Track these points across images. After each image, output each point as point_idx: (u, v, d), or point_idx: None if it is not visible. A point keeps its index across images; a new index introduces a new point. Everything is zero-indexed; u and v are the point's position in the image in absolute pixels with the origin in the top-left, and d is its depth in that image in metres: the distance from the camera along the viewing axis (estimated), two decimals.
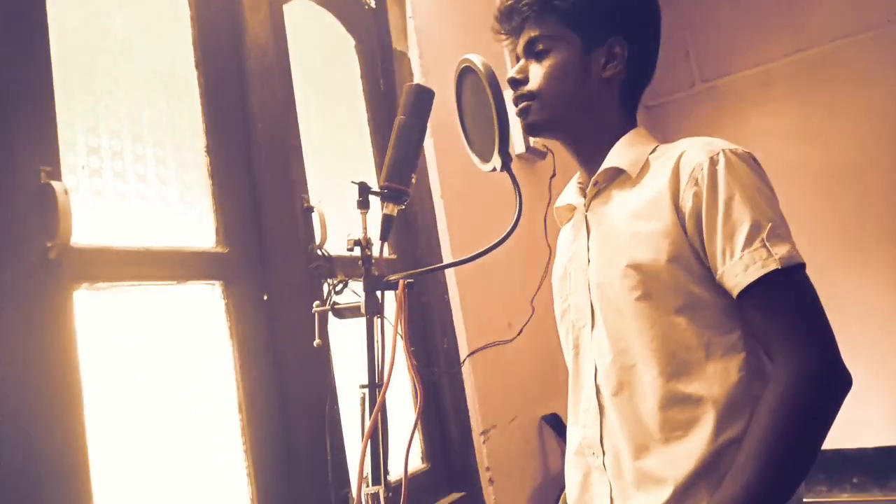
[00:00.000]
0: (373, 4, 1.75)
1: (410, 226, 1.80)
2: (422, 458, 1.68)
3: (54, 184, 0.97)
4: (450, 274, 1.80)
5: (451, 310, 1.80)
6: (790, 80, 3.72)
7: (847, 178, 3.52)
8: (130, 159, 1.15)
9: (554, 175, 2.31)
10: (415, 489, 1.58)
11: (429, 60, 1.94)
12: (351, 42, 1.80)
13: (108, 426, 1.01)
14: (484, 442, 1.78)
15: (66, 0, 1.09)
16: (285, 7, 1.56)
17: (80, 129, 1.08)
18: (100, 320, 1.05)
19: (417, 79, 1.90)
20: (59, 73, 1.04)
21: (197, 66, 1.31)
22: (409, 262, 1.76)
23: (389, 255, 1.74)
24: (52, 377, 0.93)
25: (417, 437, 1.68)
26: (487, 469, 1.76)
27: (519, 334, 1.98)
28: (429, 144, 1.88)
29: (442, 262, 1.82)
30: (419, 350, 1.71)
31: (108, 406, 1.03)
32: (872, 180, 3.45)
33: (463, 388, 1.78)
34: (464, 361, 1.78)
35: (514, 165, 2.19)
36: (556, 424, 2.04)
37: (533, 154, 2.25)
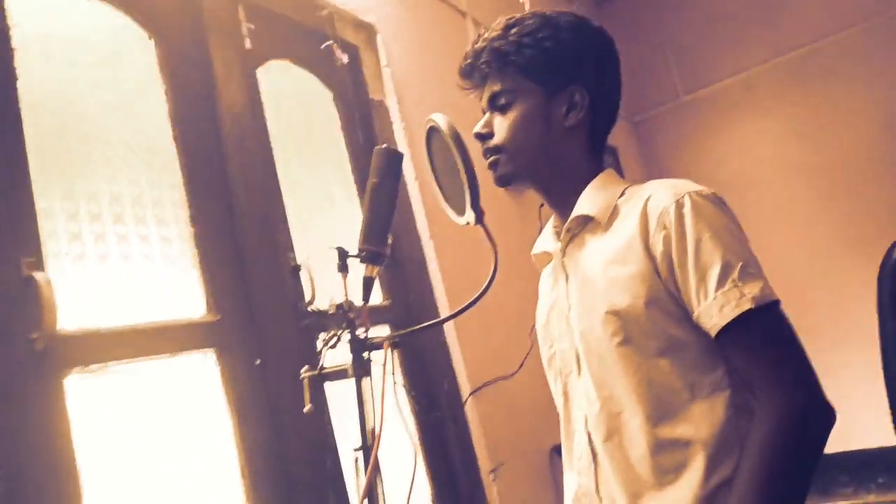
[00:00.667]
0: (345, 61, 1.78)
1: (401, 269, 1.81)
2: (431, 501, 1.67)
3: (37, 275, 0.99)
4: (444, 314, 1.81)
5: (448, 351, 1.81)
6: (773, 84, 3.75)
7: (839, 174, 3.52)
8: (113, 240, 1.17)
9: (543, 204, 2.32)
10: None
11: (407, 106, 1.97)
12: (329, 95, 1.83)
13: None
14: (494, 480, 1.77)
15: (39, 89, 1.12)
16: (259, 71, 1.59)
17: (60, 216, 1.10)
18: (94, 402, 1.06)
19: (397, 125, 1.93)
20: (35, 162, 1.07)
21: (175, 140, 1.34)
22: (402, 306, 1.77)
23: (382, 301, 1.75)
24: (48, 465, 0.94)
25: (427, 482, 1.68)
26: None
27: (520, 368, 1.97)
28: (414, 188, 1.90)
29: (435, 302, 1.83)
30: (420, 394, 1.71)
31: (108, 485, 1.03)
32: (864, 174, 3.45)
33: (467, 428, 1.77)
34: (466, 401, 1.78)
35: (502, 198, 2.22)
36: None
37: None
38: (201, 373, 1.25)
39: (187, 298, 1.27)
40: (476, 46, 1.03)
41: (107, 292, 1.14)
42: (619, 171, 3.92)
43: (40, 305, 0.97)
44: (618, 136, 3.89)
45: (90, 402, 1.05)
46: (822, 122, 3.59)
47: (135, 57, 1.33)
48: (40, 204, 1.06)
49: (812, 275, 3.46)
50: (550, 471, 2.03)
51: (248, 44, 1.55)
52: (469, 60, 1.04)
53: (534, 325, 2.07)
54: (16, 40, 1.10)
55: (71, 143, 1.15)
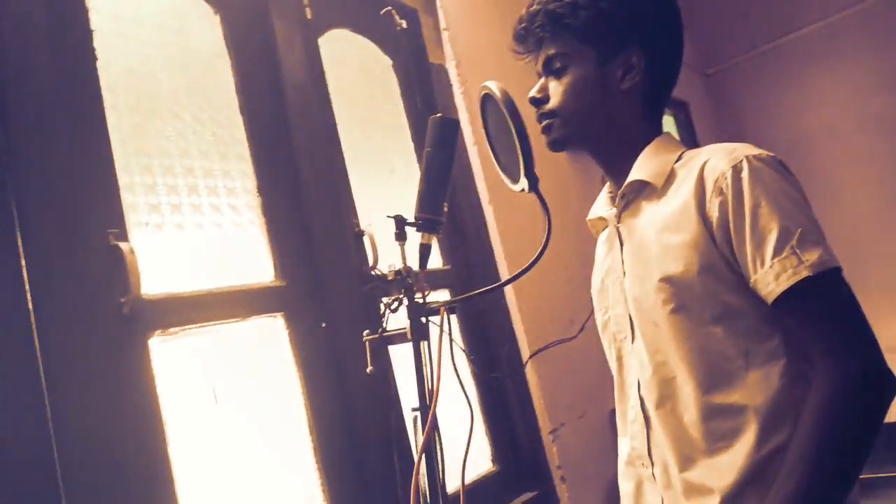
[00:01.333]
0: (405, 25, 1.79)
1: (461, 234, 1.83)
2: (492, 461, 1.72)
3: (122, 245, 1.07)
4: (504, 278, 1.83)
5: (508, 314, 1.83)
6: (858, 30, 3.50)
7: None
8: (189, 210, 1.24)
9: None
10: (485, 491, 1.63)
11: (466, 69, 1.97)
12: (388, 62, 1.85)
13: (193, 459, 1.11)
14: (553, 441, 1.80)
15: (115, 68, 1.18)
16: (320, 40, 1.62)
17: (140, 188, 1.17)
18: (174, 363, 1.14)
19: (456, 89, 1.93)
20: (115, 139, 1.14)
21: (241, 112, 1.39)
22: (463, 270, 1.80)
23: (443, 266, 1.78)
24: (136, 422, 1.03)
25: (486, 440, 1.73)
26: (559, 467, 1.79)
27: (581, 331, 1.99)
28: (473, 153, 1.91)
29: (495, 266, 1.85)
30: (480, 357, 1.75)
31: (191, 440, 1.12)
32: None
33: (527, 390, 1.81)
34: (526, 363, 1.81)
35: (562, 162, 2.19)
36: None
37: None
38: (271, 335, 1.32)
39: (257, 265, 1.33)
40: (531, 9, 1.02)
41: (184, 260, 1.22)
42: (691, 127, 3.78)
43: (126, 273, 1.05)
44: (689, 90, 3.74)
45: (171, 362, 1.13)
46: None
47: (201, 32, 1.38)
48: (122, 178, 1.13)
49: (889, 232, 3.27)
50: (610, 432, 2.04)
51: (308, 14, 1.59)
52: (524, 24, 1.03)
53: None
54: (93, 22, 1.16)
55: (146, 120, 1.22)
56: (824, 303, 0.83)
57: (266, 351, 1.31)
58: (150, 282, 1.11)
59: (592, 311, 2.08)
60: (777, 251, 0.82)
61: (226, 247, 1.30)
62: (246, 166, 1.38)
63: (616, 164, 1.04)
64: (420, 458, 0.97)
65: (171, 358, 1.13)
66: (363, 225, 1.55)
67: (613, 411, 2.05)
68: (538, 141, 1.00)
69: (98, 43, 1.16)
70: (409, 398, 1.46)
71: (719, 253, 0.88)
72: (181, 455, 1.08)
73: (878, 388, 0.80)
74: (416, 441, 1.01)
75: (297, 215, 1.42)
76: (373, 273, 1.53)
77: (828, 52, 3.62)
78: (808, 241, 0.82)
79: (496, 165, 1.12)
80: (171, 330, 1.15)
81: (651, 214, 0.97)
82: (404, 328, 1.08)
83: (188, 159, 1.27)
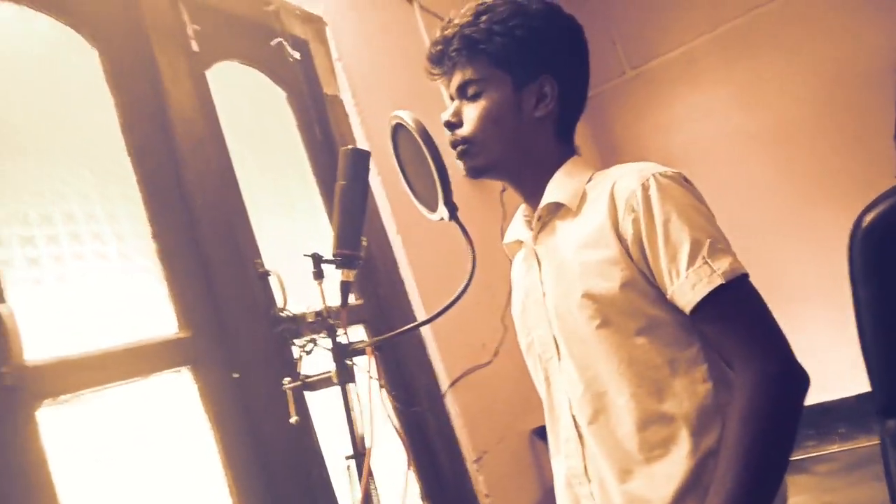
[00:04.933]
0: (297, 56, 1.74)
1: (371, 267, 1.79)
2: (421, 498, 1.67)
3: None
4: (418, 313, 1.80)
5: (424, 345, 1.80)
6: (714, 55, 3.83)
7: (785, 138, 3.63)
8: (71, 261, 1.12)
9: (504, 189, 2.33)
10: None
11: (363, 99, 1.94)
12: (282, 94, 1.79)
13: None
14: (478, 470, 1.78)
15: None
16: (208, 73, 1.54)
17: (15, 241, 1.04)
18: (69, 435, 1.01)
19: (353, 119, 1.90)
20: None
21: (127, 152, 1.29)
22: (374, 304, 1.75)
23: (355, 301, 1.73)
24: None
25: (413, 478, 1.68)
26: (487, 496, 1.77)
27: (495, 355, 1.99)
28: (376, 183, 1.88)
29: (408, 297, 1.82)
30: (399, 392, 1.70)
31: None
32: (810, 138, 3.56)
33: (449, 421, 1.78)
34: (445, 394, 1.78)
35: (464, 186, 2.21)
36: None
37: None
38: (178, 391, 1.21)
39: (157, 316, 1.22)
40: (446, 33, 1.02)
41: (72, 317, 1.09)
42: None
43: (5, 338, 0.92)
44: None
45: (65, 434, 1.01)
46: (765, 89, 3.69)
47: (78, 66, 1.27)
48: None
49: (766, 236, 3.56)
50: (532, 453, 2.05)
51: (194, 46, 1.50)
52: (439, 47, 1.02)
53: (504, 312, 2.09)
54: None
55: (19, 164, 1.10)
56: (738, 308, 0.87)
57: (174, 409, 1.20)
58: (35, 346, 0.99)
59: (505, 334, 2.10)
60: (690, 262, 0.86)
61: (119, 298, 1.18)
62: (135, 208, 1.27)
63: (531, 187, 1.05)
64: None
65: (64, 429, 1.00)
66: (268, 265, 1.47)
67: (534, 432, 2.07)
68: (449, 165, 0.99)
69: None
70: (329, 446, 1.39)
71: (637, 268, 0.91)
72: None
73: (794, 384, 0.85)
74: (351, 490, 0.95)
75: (197, 258, 1.32)
76: (282, 315, 1.45)
77: (690, 76, 3.92)
78: (718, 251, 0.86)
79: (411, 196, 1.09)
80: (63, 398, 1.02)
81: (568, 234, 0.98)
82: (327, 372, 1.02)
83: (69, 204, 1.15)
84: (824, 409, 3.26)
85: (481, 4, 1.01)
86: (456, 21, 1.01)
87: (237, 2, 1.66)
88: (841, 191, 3.37)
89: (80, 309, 1.11)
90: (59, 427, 0.99)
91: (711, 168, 3.75)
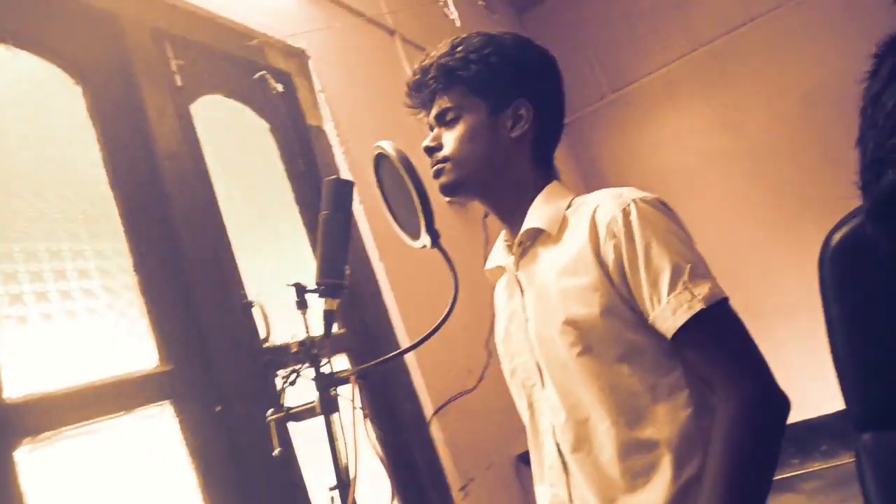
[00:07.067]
0: (280, 88, 1.76)
1: (354, 295, 1.79)
2: None
3: None
4: (401, 340, 1.81)
5: (409, 372, 1.80)
6: (690, 77, 3.91)
7: (761, 158, 3.70)
8: (56, 298, 1.12)
9: (486, 215, 2.35)
10: None
11: (346, 129, 1.97)
12: (265, 126, 1.81)
13: None
14: (464, 498, 1.77)
15: None
16: (192, 107, 1.55)
17: None
18: (49, 474, 1.01)
19: (336, 150, 1.92)
20: None
21: (111, 186, 1.29)
22: (358, 332, 1.76)
23: (338, 330, 1.73)
24: None
25: None
26: None
27: (480, 381, 1.99)
28: (359, 211, 1.89)
29: (391, 325, 1.83)
30: (384, 420, 1.70)
31: None
32: (786, 157, 3.63)
33: (434, 449, 1.77)
34: (430, 421, 1.78)
35: (447, 212, 2.23)
36: None
37: None
38: (160, 427, 1.20)
39: (138, 350, 1.22)
40: (424, 64, 1.06)
41: (54, 353, 1.09)
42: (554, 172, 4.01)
43: None
44: None
45: (45, 473, 1.00)
46: (740, 109, 3.77)
47: (63, 105, 1.28)
48: None
49: (748, 255, 3.61)
50: (517, 479, 2.05)
51: (178, 81, 1.52)
52: (417, 77, 1.05)
53: (488, 337, 2.10)
54: None
55: (3, 202, 1.10)
56: (718, 333, 0.88)
57: (156, 444, 1.19)
58: (15, 383, 0.98)
59: (489, 360, 2.10)
60: (671, 287, 0.87)
61: (102, 334, 1.18)
62: (120, 244, 1.27)
63: (509, 212, 1.07)
64: None
65: (44, 468, 0.99)
66: (251, 296, 1.48)
67: (518, 457, 2.07)
68: (432, 192, 1.01)
69: None
70: (313, 477, 1.38)
71: (618, 294, 0.92)
72: None
73: (774, 410, 0.86)
74: None
75: (180, 291, 1.32)
76: (265, 346, 1.45)
77: (668, 98, 4.00)
78: (698, 276, 0.88)
79: (393, 224, 1.11)
80: (43, 436, 1.01)
81: (549, 260, 1.00)
82: (311, 403, 1.02)
83: (53, 242, 1.15)
84: (808, 426, 3.28)
85: (457, 38, 1.05)
86: (433, 54, 1.05)
87: (220, 37, 1.68)
88: (818, 208, 3.44)
89: (62, 344, 1.11)
90: (38, 467, 0.99)
91: (691, 187, 3.81)
